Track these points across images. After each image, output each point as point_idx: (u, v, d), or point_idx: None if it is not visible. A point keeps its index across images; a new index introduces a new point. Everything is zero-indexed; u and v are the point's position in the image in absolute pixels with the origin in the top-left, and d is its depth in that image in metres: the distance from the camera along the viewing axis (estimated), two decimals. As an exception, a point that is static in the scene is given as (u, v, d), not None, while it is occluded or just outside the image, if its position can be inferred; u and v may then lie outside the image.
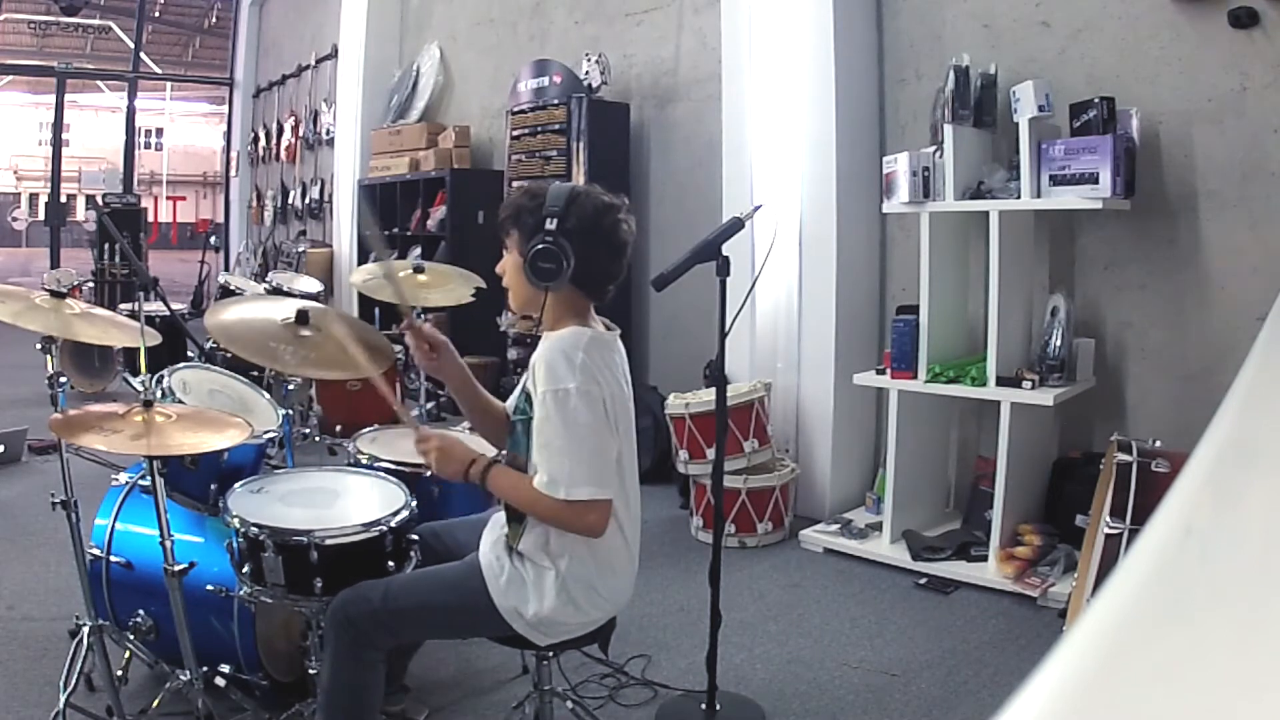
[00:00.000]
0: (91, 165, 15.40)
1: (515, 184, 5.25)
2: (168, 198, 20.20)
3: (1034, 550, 3.19)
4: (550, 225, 1.77)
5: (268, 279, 5.58)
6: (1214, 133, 3.15)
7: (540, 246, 1.77)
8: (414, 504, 2.11)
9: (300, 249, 8.32)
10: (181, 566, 2.01)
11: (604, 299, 1.90)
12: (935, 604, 3.10)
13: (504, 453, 1.94)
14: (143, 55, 12.82)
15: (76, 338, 2.14)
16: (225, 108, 11.72)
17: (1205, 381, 3.17)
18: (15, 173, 25.99)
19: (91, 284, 8.03)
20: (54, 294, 2.18)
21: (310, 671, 2.07)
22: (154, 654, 2.25)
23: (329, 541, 1.95)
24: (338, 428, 4.45)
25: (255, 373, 3.32)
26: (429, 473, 2.25)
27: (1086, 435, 3.50)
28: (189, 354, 3.74)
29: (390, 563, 2.00)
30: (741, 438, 3.65)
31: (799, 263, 3.93)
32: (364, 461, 2.46)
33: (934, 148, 3.39)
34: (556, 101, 5.00)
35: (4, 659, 2.57)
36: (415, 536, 2.08)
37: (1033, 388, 3.13)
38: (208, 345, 3.56)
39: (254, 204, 10.46)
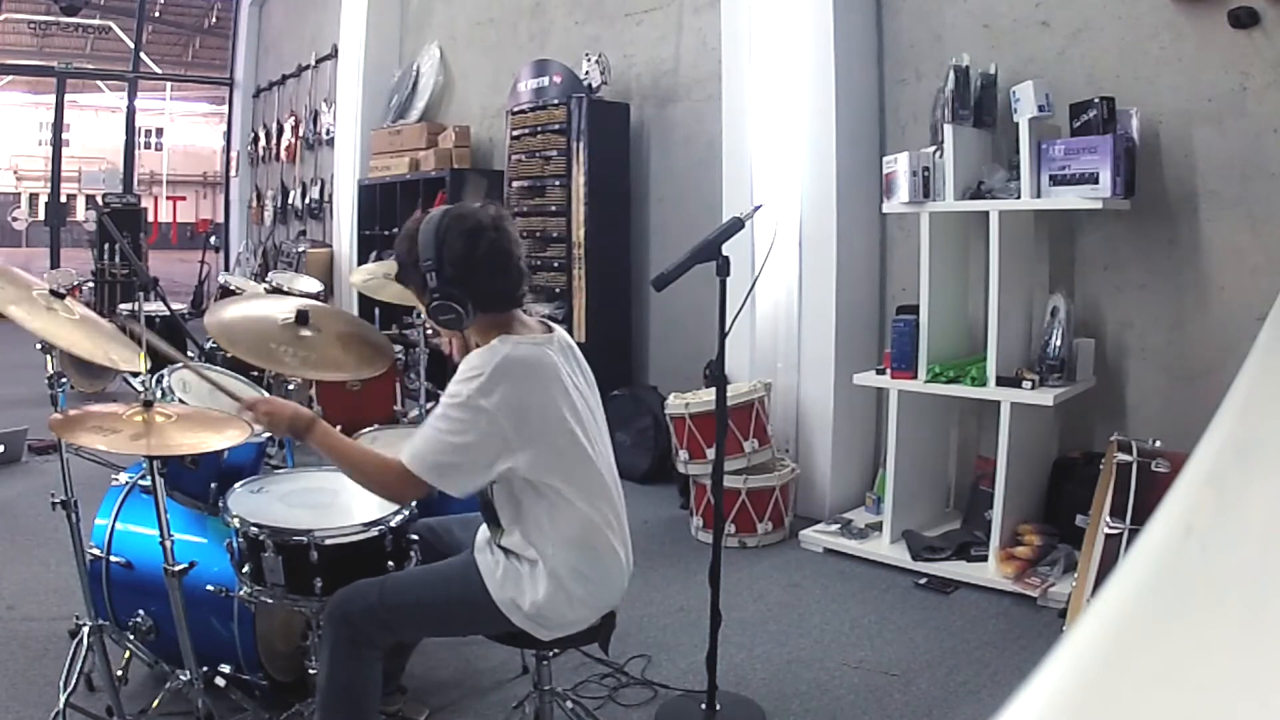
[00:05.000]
0: (91, 165, 15.38)
1: (515, 184, 5.26)
2: (168, 198, 20.18)
3: (1034, 550, 3.19)
4: (433, 281, 1.80)
5: (268, 279, 5.58)
6: (1214, 133, 3.15)
7: (434, 304, 1.81)
8: (414, 504, 2.11)
9: (300, 249, 8.32)
10: (181, 566, 2.01)
11: (519, 304, 1.91)
12: (935, 604, 3.10)
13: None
14: (143, 55, 12.81)
15: (71, 350, 2.09)
16: (225, 108, 11.71)
17: (1205, 381, 3.17)
18: (15, 173, 25.97)
19: (91, 284, 8.03)
20: (54, 294, 2.17)
21: (310, 671, 2.08)
22: (154, 654, 2.25)
23: (329, 541, 1.96)
24: (338, 428, 4.44)
25: (255, 373, 3.31)
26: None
27: (1086, 435, 3.50)
28: (189, 354, 3.73)
29: (390, 562, 2.00)
30: (741, 438, 3.65)
31: (799, 263, 3.93)
32: (364, 461, 2.45)
33: (934, 148, 3.39)
34: (556, 101, 4.99)
35: (4, 659, 2.57)
36: (415, 536, 2.08)
37: (1033, 388, 3.13)
38: (208, 345, 3.56)
39: (254, 204, 10.45)
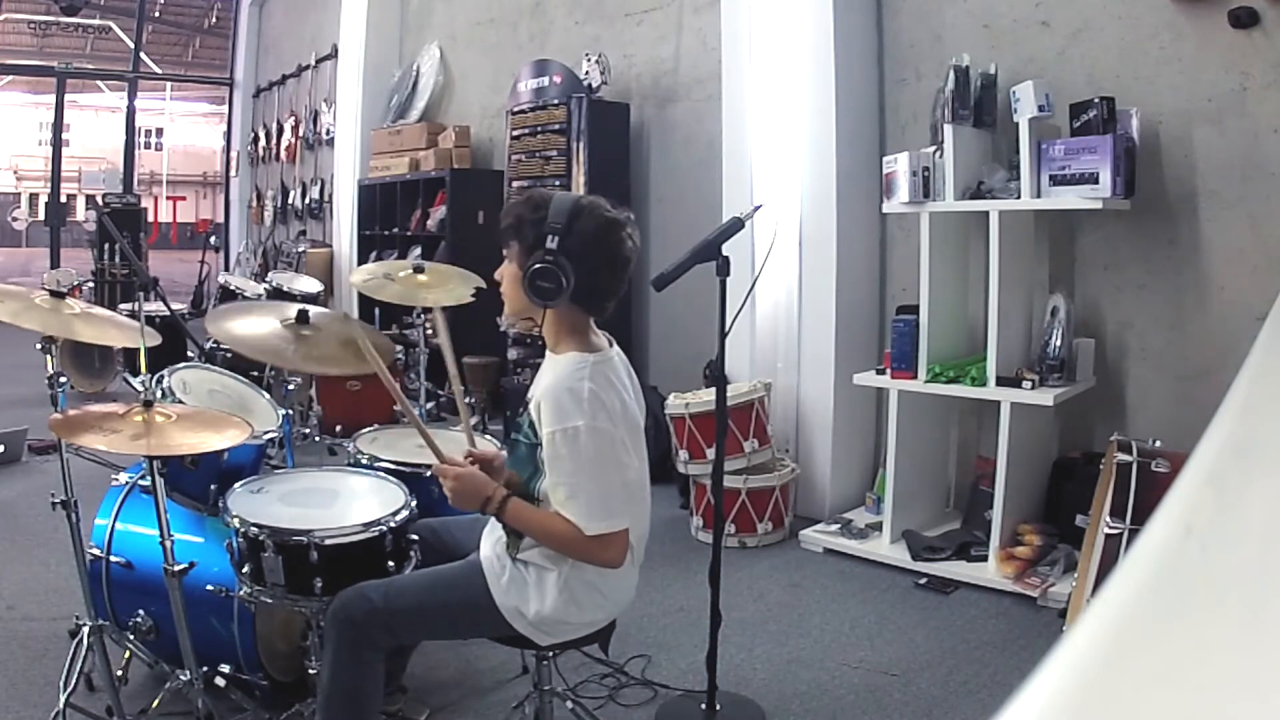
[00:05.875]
0: (91, 165, 15.38)
1: (515, 184, 5.26)
2: (168, 198, 20.18)
3: (1034, 550, 3.19)
4: (551, 243, 1.73)
5: (268, 279, 5.58)
6: (1214, 133, 3.15)
7: (539, 266, 1.74)
8: (414, 504, 2.11)
9: (300, 249, 8.32)
10: (181, 566, 2.01)
11: (604, 314, 1.87)
12: (935, 604, 3.10)
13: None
14: (143, 55, 12.81)
15: (75, 337, 2.14)
16: (225, 108, 11.72)
17: (1205, 381, 3.17)
18: (15, 173, 25.97)
19: (91, 284, 8.03)
20: (54, 294, 2.18)
21: (310, 671, 2.07)
22: (154, 654, 2.25)
23: (329, 541, 1.96)
24: (338, 428, 4.46)
25: (255, 373, 3.32)
26: (429, 473, 2.27)
27: (1086, 435, 3.50)
28: (189, 354, 3.73)
29: (390, 563, 2.00)
30: (741, 438, 3.64)
31: (799, 263, 3.93)
32: (364, 461, 2.46)
33: (934, 148, 3.39)
34: (556, 101, 4.99)
35: (4, 659, 2.57)
36: (415, 536, 2.08)
37: (1033, 388, 3.13)
38: (208, 345, 3.56)
39: (254, 204, 10.45)
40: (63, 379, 2.11)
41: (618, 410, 1.76)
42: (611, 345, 1.90)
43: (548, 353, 1.86)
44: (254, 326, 2.39)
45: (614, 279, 1.81)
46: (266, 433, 2.52)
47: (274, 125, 9.91)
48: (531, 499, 1.81)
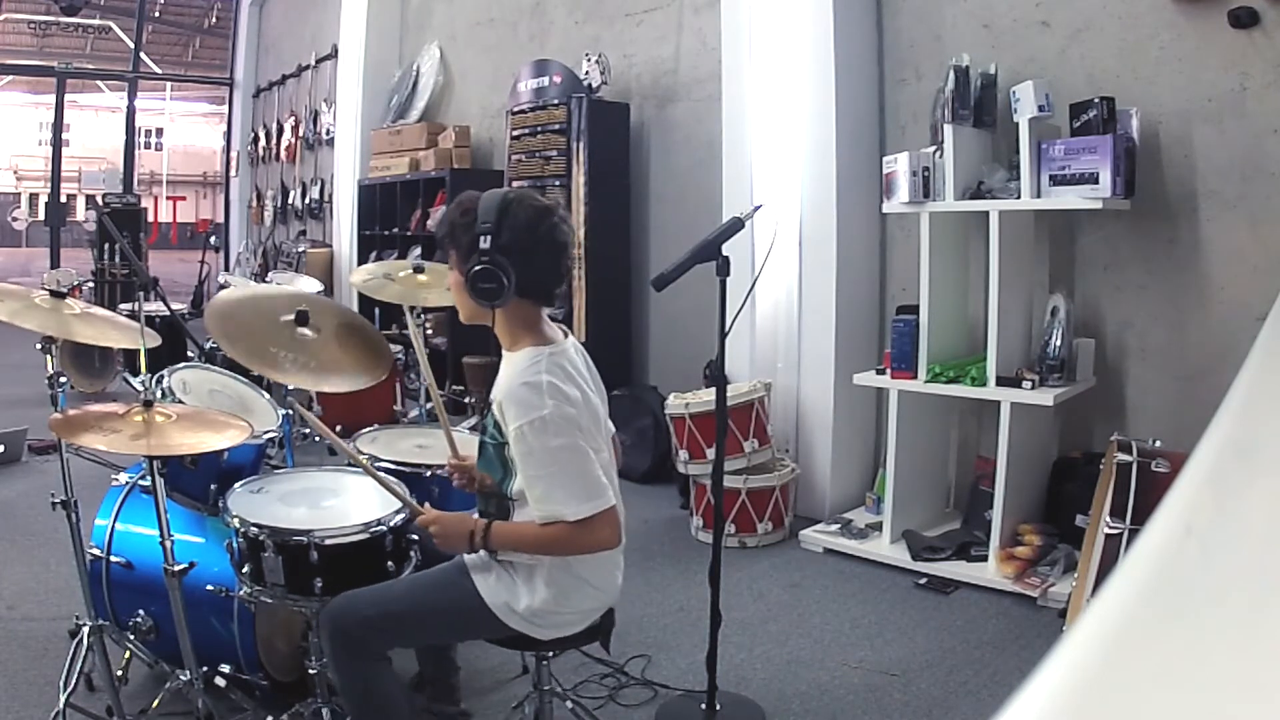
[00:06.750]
0: (91, 165, 15.38)
1: (515, 184, 5.25)
2: (168, 198, 20.19)
3: (1034, 550, 3.19)
4: (485, 244, 1.75)
5: (268, 279, 5.58)
6: (1214, 133, 3.15)
7: (479, 268, 1.75)
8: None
9: (300, 249, 8.32)
10: (181, 566, 2.01)
11: (553, 303, 1.89)
12: (935, 604, 3.10)
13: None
14: (143, 55, 12.81)
15: (74, 338, 2.14)
16: (225, 108, 11.72)
17: (1205, 381, 3.17)
18: (15, 173, 25.97)
19: (91, 284, 8.03)
20: (54, 294, 2.18)
21: (310, 671, 2.07)
22: (154, 654, 2.25)
23: (329, 541, 1.96)
24: (338, 428, 4.45)
25: (255, 372, 3.31)
26: (429, 473, 2.28)
27: (1086, 435, 3.50)
28: (189, 354, 3.73)
29: (390, 563, 2.00)
30: (741, 438, 3.64)
31: (799, 263, 3.93)
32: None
33: (934, 148, 3.39)
34: (556, 101, 4.99)
35: (4, 659, 2.57)
36: (414, 536, 2.08)
37: (1033, 388, 3.13)
38: (208, 345, 3.56)
39: (254, 204, 10.45)
40: (63, 379, 2.11)
41: (578, 399, 1.77)
42: (567, 336, 1.91)
43: (504, 352, 1.87)
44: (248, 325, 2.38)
45: (553, 267, 1.83)
46: (266, 433, 2.52)
47: (274, 125, 9.91)
48: (505, 499, 1.82)
